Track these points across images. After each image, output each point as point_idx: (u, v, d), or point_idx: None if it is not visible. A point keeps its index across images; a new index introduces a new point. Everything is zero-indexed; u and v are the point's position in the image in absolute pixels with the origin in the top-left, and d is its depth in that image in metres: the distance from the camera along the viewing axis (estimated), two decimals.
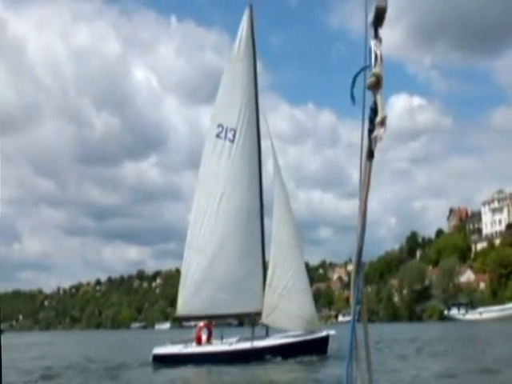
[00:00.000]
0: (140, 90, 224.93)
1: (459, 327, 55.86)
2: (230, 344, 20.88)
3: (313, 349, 20.05)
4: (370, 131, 1.58)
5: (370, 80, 1.52)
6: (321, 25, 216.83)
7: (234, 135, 22.86)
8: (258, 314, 21.26)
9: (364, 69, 1.60)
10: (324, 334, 20.94)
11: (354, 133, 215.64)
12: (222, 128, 22.92)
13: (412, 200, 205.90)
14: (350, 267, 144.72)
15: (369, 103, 1.61)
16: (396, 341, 32.08)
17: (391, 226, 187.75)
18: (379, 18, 1.54)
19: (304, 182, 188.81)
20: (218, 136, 23.01)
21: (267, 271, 21.54)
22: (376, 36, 1.55)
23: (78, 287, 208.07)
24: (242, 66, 23.44)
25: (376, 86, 1.51)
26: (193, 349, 20.99)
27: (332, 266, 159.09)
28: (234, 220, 22.30)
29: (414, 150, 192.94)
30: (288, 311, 20.41)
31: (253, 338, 20.48)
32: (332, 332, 20.88)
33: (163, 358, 20.99)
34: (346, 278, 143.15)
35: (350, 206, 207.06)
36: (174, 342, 22.16)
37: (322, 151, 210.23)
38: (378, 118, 1.52)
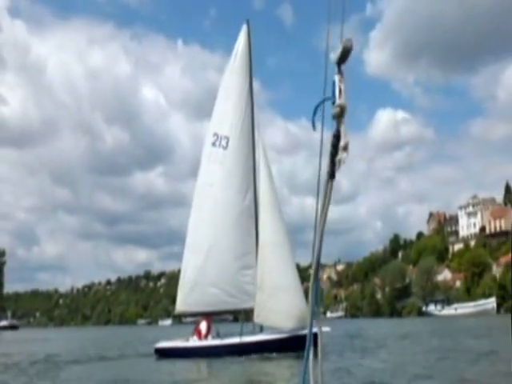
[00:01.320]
0: (148, 106, 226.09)
1: (432, 322, 55.19)
2: (222, 339, 20.58)
3: (303, 344, 19.32)
4: (333, 155, 1.65)
5: (335, 110, 1.59)
6: (312, 47, 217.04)
7: (227, 142, 22.42)
8: (249, 311, 20.88)
9: (324, 100, 1.70)
10: (315, 329, 20.07)
11: None
12: (217, 137, 22.52)
13: (396, 205, 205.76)
14: (339, 267, 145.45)
15: (332, 130, 1.70)
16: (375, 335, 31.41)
17: (377, 230, 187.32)
18: (344, 57, 1.62)
19: (297, 189, 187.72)
20: (213, 144, 22.59)
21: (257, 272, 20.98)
22: (339, 72, 1.63)
23: (90, 287, 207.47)
24: (237, 78, 22.93)
25: (340, 115, 1.60)
26: (191, 343, 20.75)
27: (322, 266, 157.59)
28: (226, 223, 21.93)
29: (399, 159, 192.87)
30: (278, 310, 19.64)
31: (241, 333, 19.92)
32: (327, 328, 19.90)
33: (164, 352, 20.90)
34: (334, 277, 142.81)
35: (339, 212, 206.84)
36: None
37: (314, 161, 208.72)
38: (342, 143, 1.59)
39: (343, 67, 1.64)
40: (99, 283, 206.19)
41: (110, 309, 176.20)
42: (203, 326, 20.91)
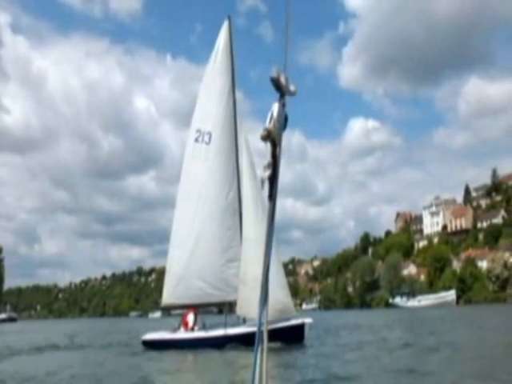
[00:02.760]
0: (140, 115, 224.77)
1: (394, 313, 54.06)
2: (212, 330, 18.90)
3: (289, 336, 17.63)
4: (270, 178, 1.60)
5: (262, 133, 1.57)
6: (293, 62, 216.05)
7: (209, 137, 20.60)
8: (232, 304, 19.37)
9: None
10: (299, 321, 18.48)
11: (319, 151, 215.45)
12: (200, 132, 20.65)
13: (368, 206, 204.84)
14: (315, 263, 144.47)
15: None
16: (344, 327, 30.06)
17: (350, 228, 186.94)
18: (277, 87, 1.56)
19: (278, 191, 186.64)
20: (196, 140, 20.72)
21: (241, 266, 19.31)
22: (279, 101, 1.59)
23: (87, 282, 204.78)
24: (219, 74, 20.96)
25: (266, 138, 1.57)
26: (178, 334, 19.34)
27: (300, 262, 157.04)
28: (211, 217, 20.32)
29: (370, 164, 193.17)
30: (258, 302, 17.87)
31: (225, 325, 18.47)
32: (309, 320, 18.40)
33: (151, 343, 19.38)
34: (311, 272, 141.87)
35: (317, 212, 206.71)
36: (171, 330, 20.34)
37: (294, 166, 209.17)
38: (265, 163, 1.57)
39: (287, 97, 1.58)
40: (95, 279, 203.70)
41: (105, 302, 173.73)
42: (190, 317, 19.61)
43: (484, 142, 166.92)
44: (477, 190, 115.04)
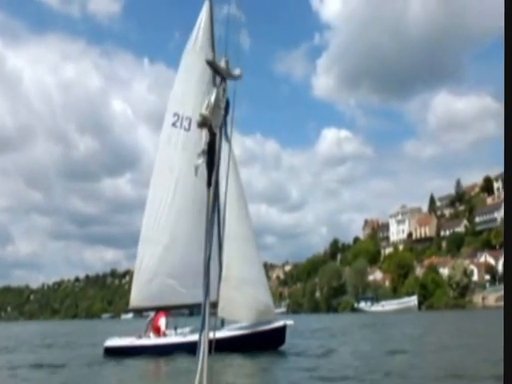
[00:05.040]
0: (117, 118, 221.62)
1: (355, 317, 54.26)
2: (184, 335, 16.96)
3: (270, 339, 16.56)
4: (208, 164, 1.54)
5: (198, 120, 1.52)
6: (269, 71, 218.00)
7: (189, 124, 18.43)
8: (215, 305, 17.50)
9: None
10: (281, 323, 17.17)
11: (294, 159, 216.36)
12: (178, 117, 18.53)
13: (339, 214, 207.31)
14: (287, 268, 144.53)
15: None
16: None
17: (322, 235, 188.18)
18: (215, 71, 1.50)
19: (253, 198, 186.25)
20: (173, 125, 18.60)
21: (222, 265, 17.61)
22: (215, 84, 1.54)
23: (59, 283, 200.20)
24: (199, 58, 18.85)
25: (202, 125, 1.51)
26: (146, 340, 17.15)
27: (272, 267, 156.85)
28: (187, 211, 18.18)
29: (342, 173, 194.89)
30: (242, 303, 16.67)
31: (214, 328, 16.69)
32: (290, 322, 17.25)
33: (116, 351, 16.94)
34: (282, 277, 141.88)
35: (290, 219, 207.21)
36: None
37: (268, 173, 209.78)
38: (199, 150, 1.51)
39: (228, 82, 1.50)
40: (68, 280, 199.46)
41: (78, 304, 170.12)
42: (162, 321, 17.51)
43: (451, 154, 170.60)
44: (441, 199, 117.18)
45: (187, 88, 18.90)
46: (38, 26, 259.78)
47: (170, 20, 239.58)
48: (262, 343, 15.68)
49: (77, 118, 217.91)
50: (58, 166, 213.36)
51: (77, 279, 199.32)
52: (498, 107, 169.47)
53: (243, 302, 16.76)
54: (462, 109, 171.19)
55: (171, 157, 18.58)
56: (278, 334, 16.82)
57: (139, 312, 22.43)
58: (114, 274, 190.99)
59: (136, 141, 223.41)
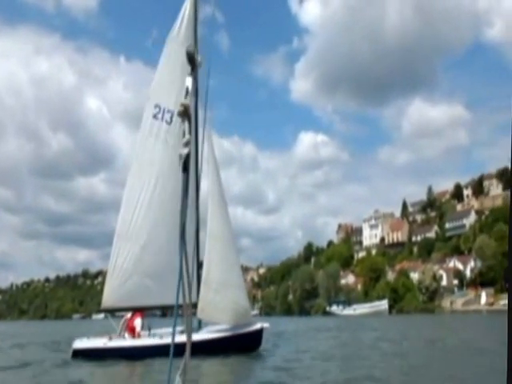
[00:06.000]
0: (92, 116, 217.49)
1: (324, 320, 54.45)
2: (161, 337, 16.18)
3: (248, 342, 16.32)
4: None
5: (179, 109, 1.54)
6: (247, 73, 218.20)
7: (171, 117, 17.78)
8: (193, 305, 16.36)
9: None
10: (258, 326, 16.90)
11: (271, 162, 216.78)
12: (160, 108, 17.89)
13: (315, 217, 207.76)
14: (261, 270, 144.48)
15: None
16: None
17: (298, 238, 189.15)
18: (190, 60, 1.59)
19: (229, 200, 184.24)
20: (154, 117, 17.91)
21: (202, 266, 17.00)
22: (192, 74, 1.60)
23: (29, 283, 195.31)
24: (181, 47, 17.94)
25: (184, 114, 1.53)
26: (120, 342, 16.17)
27: (247, 269, 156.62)
28: (167, 208, 17.24)
29: (318, 177, 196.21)
30: (223, 306, 16.34)
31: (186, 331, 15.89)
32: (266, 325, 17.01)
33: (84, 353, 15.86)
34: (256, 279, 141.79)
35: (266, 221, 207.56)
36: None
37: (245, 175, 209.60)
38: (184, 140, 1.55)
39: (198, 71, 1.58)
40: (38, 280, 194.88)
41: (47, 304, 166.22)
42: (137, 322, 16.64)
43: (423, 161, 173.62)
44: (413, 205, 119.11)
45: (170, 80, 18.10)
46: (10, 18, 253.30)
47: (147, 18, 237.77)
48: (239, 346, 15.43)
49: (49, 115, 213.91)
50: (30, 163, 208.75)
51: (47, 279, 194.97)
52: (469, 116, 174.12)
53: (223, 305, 16.50)
54: (434, 117, 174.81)
55: (152, 150, 17.78)
56: (256, 337, 16.70)
57: (112, 312, 21.68)
58: (85, 274, 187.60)
59: (111, 140, 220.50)
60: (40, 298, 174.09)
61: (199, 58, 1.57)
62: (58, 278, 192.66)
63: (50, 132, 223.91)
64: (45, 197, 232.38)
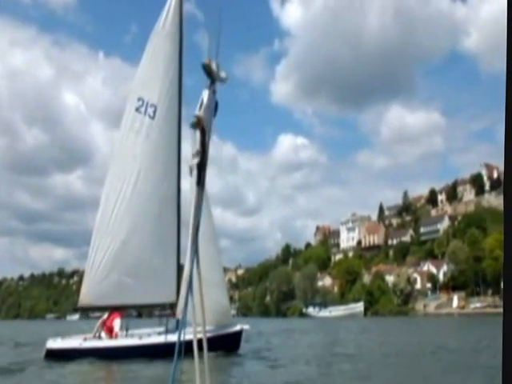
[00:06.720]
0: (69, 112, 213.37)
1: (299, 322, 55.03)
2: (140, 337, 15.84)
3: (228, 343, 16.07)
4: (198, 165, 1.60)
5: (193, 121, 1.56)
6: (228, 75, 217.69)
7: (154, 112, 17.57)
8: (172, 306, 16.34)
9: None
10: (238, 328, 16.83)
11: (250, 163, 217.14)
12: (143, 102, 17.62)
13: (294, 219, 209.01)
14: (240, 271, 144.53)
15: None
16: None
17: (277, 239, 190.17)
18: (209, 73, 1.57)
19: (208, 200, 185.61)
20: (137, 110, 17.60)
21: (184, 265, 15.46)
22: (210, 87, 1.59)
23: (1, 282, 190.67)
24: (166, 41, 18.09)
25: (196, 126, 1.55)
26: (97, 342, 15.71)
27: (226, 270, 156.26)
28: (149, 203, 17.04)
29: (297, 179, 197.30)
30: (205, 306, 16.16)
31: (166, 332, 15.31)
32: (246, 326, 17.00)
33: (59, 353, 15.25)
34: (234, 280, 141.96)
35: (245, 223, 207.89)
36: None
37: (224, 176, 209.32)
38: (193, 151, 1.56)
39: (217, 84, 1.59)
40: (12, 279, 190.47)
41: (20, 303, 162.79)
42: (116, 322, 16.17)
43: (400, 166, 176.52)
44: (389, 209, 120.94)
45: (154, 74, 17.98)
46: None
47: (126, 14, 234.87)
48: (219, 347, 15.17)
49: (24, 109, 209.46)
50: (3, 158, 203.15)
51: (21, 278, 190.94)
52: (445, 123, 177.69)
53: (206, 305, 16.40)
54: (412, 123, 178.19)
55: (134, 144, 17.46)
56: (235, 338, 16.66)
57: (88, 311, 20.83)
58: (61, 273, 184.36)
59: (89, 136, 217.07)
60: (13, 297, 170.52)
61: (223, 74, 1.58)
62: (32, 276, 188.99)
63: (25, 126, 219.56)
64: (19, 193, 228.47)
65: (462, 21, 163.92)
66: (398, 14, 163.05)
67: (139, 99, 17.70)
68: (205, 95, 1.57)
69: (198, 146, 1.54)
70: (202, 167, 1.54)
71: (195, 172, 1.55)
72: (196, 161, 1.53)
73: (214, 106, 1.58)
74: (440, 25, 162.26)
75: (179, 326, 17.73)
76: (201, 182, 1.55)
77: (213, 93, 1.57)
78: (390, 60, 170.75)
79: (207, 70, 1.56)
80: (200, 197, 1.57)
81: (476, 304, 74.80)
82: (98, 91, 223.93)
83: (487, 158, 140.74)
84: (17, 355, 17.13)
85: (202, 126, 1.54)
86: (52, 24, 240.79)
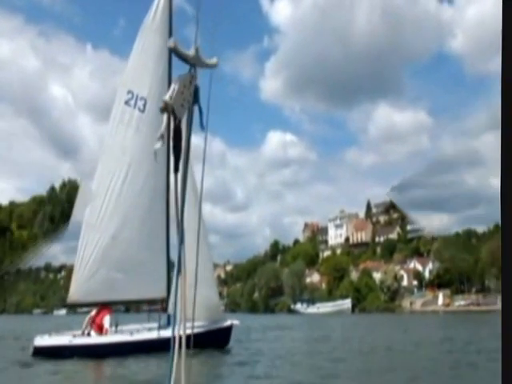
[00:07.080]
0: (55, 104, 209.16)
1: (287, 318, 55.48)
2: (130, 333, 15.62)
3: (218, 338, 16.12)
4: (174, 149, 1.54)
5: (160, 106, 1.52)
6: (217, 70, 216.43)
7: (144, 105, 17.41)
8: (163, 301, 16.23)
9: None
10: (228, 323, 16.94)
11: (239, 159, 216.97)
12: (132, 95, 17.45)
13: (282, 216, 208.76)
14: (228, 267, 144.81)
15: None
16: None
17: (266, 236, 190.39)
18: (180, 57, 1.53)
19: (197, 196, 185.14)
20: (127, 103, 17.48)
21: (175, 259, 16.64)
22: (190, 72, 1.55)
23: None
24: (156, 35, 17.94)
25: (163, 110, 1.51)
26: (87, 339, 15.40)
27: (214, 266, 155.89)
28: (139, 197, 16.88)
29: (286, 176, 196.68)
30: (197, 301, 16.14)
31: (159, 327, 15.26)
32: (236, 322, 17.16)
33: (48, 351, 14.96)
34: (223, 276, 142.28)
35: (234, 218, 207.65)
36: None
37: (213, 172, 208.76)
38: (158, 134, 1.51)
39: (195, 69, 1.54)
40: None
41: (6, 298, 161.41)
42: (106, 318, 15.89)
43: (388, 164, 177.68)
44: (377, 206, 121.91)
45: (144, 67, 17.95)
46: None
47: (115, 5, 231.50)
48: (210, 342, 15.19)
49: (10, 100, 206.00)
50: None
51: (7, 272, 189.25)
52: (431, 122, 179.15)
53: (196, 301, 16.49)
54: (399, 122, 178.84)
55: (123, 136, 17.34)
56: (226, 334, 16.76)
57: (77, 308, 20.83)
58: (48, 268, 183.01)
59: (75, 130, 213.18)
60: None
61: (213, 60, 1.57)
62: (18, 270, 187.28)
63: (13, 117, 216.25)
64: None
65: (448, 22, 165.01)
66: (386, 13, 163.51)
67: (129, 92, 17.66)
68: (178, 80, 1.53)
69: (162, 130, 1.51)
70: (177, 154, 1.51)
71: (164, 158, 1.63)
72: (159, 144, 1.49)
73: (193, 91, 1.53)
74: (427, 25, 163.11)
75: (172, 322, 18.14)
76: (178, 168, 1.52)
77: (192, 77, 1.53)
78: (378, 59, 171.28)
79: (176, 53, 1.52)
80: (181, 185, 1.53)
81: (460, 302, 76.01)
82: (86, 84, 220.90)
83: None
84: (3, 352, 16.79)
85: (171, 111, 1.50)
86: (38, 14, 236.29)
